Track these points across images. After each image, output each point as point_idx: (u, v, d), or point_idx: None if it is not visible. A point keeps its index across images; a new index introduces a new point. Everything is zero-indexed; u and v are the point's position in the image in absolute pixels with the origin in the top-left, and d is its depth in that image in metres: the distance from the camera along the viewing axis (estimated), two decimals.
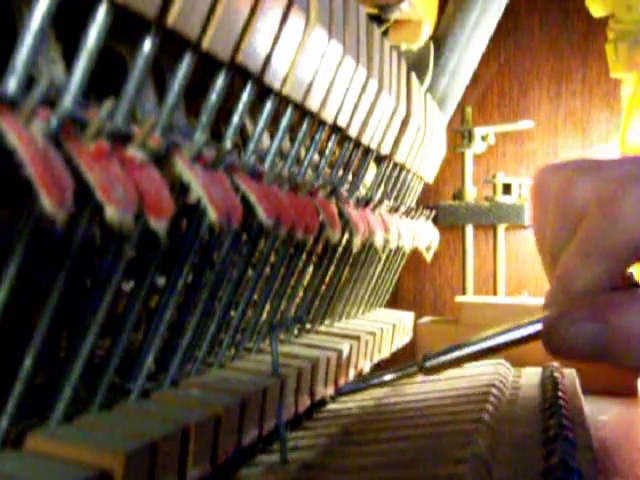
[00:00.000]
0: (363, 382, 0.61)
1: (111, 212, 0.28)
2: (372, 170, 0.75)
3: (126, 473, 0.30)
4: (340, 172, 0.65)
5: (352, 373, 0.67)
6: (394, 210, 0.77)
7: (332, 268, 0.68)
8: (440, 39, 1.07)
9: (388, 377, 0.56)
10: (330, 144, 0.59)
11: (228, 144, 0.43)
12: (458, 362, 0.42)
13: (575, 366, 0.85)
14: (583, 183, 0.35)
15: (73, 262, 0.32)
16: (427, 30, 1.01)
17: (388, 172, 0.77)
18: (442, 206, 1.25)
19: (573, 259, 0.35)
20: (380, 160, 0.74)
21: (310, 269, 0.63)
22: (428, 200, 1.29)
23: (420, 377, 0.73)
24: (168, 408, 0.39)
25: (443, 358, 0.42)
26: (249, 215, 0.43)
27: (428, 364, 0.44)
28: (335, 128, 0.58)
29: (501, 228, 1.28)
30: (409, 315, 0.96)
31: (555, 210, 0.37)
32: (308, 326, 0.67)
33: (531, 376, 0.78)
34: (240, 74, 0.42)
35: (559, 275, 0.36)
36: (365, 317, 0.84)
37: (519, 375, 0.79)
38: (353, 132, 0.61)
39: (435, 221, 1.03)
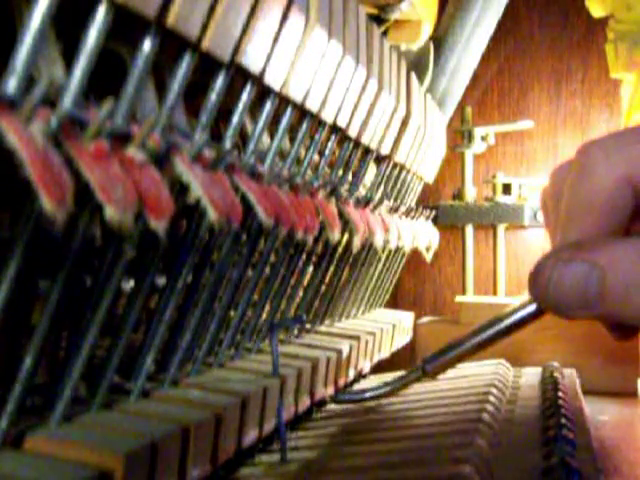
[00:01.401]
0: (368, 392, 0.61)
1: (111, 212, 0.28)
2: (372, 170, 0.75)
3: (126, 473, 0.30)
4: (340, 172, 0.65)
5: (352, 373, 0.67)
6: (394, 210, 0.77)
7: (332, 268, 0.68)
8: (440, 39, 1.07)
9: (389, 388, 0.55)
10: (330, 144, 0.59)
11: (228, 144, 0.43)
12: (460, 359, 0.41)
13: (575, 365, 0.85)
14: (595, 149, 0.33)
15: (73, 262, 0.32)
16: (427, 30, 1.00)
17: (388, 172, 0.77)
18: (442, 206, 1.25)
19: (562, 223, 0.33)
20: (380, 160, 0.74)
21: (310, 269, 0.63)
22: (428, 200, 1.29)
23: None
24: (168, 408, 0.39)
25: (444, 358, 0.42)
26: (249, 215, 0.43)
27: (430, 367, 0.43)
28: (335, 128, 0.58)
29: (501, 228, 1.28)
30: (409, 315, 0.96)
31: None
32: (308, 326, 0.67)
33: (531, 376, 0.78)
34: (240, 74, 0.42)
35: (556, 235, 0.34)
36: (365, 317, 0.84)
37: (519, 375, 0.79)
38: (353, 132, 0.61)
39: (435, 221, 1.03)
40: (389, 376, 0.61)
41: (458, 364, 0.43)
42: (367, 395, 0.60)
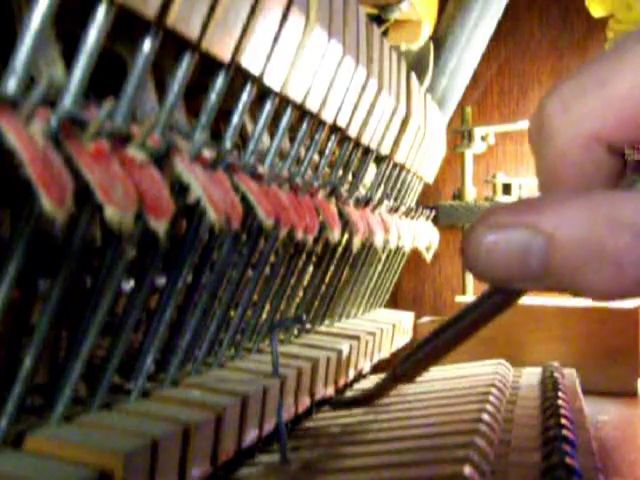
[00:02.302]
0: (348, 402, 0.60)
1: (111, 212, 0.28)
2: (372, 170, 0.75)
3: (126, 473, 0.30)
4: (340, 172, 0.65)
5: (352, 373, 0.67)
6: (394, 210, 0.77)
7: (332, 268, 0.68)
8: (440, 39, 1.07)
9: (370, 394, 0.54)
10: (330, 144, 0.59)
11: (228, 144, 0.43)
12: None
13: (575, 365, 0.85)
14: (547, 100, 0.26)
15: (73, 262, 0.32)
16: (427, 30, 1.01)
17: (388, 172, 0.77)
18: (442, 206, 1.25)
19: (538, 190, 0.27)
20: (380, 160, 0.74)
21: (310, 269, 0.63)
22: (428, 200, 1.29)
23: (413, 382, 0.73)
24: (168, 408, 0.39)
25: (415, 358, 0.37)
26: (249, 215, 0.43)
27: (400, 370, 0.39)
28: (335, 128, 0.58)
29: None
30: (409, 315, 0.96)
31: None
32: (308, 326, 0.67)
33: (531, 376, 0.78)
34: (240, 74, 0.42)
35: None
36: (365, 317, 0.84)
37: (519, 375, 0.79)
38: (353, 132, 0.61)
39: (435, 221, 1.03)
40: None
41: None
42: (350, 402, 0.60)
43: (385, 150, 0.71)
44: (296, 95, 0.48)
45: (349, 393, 0.72)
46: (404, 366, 0.38)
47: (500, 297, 0.28)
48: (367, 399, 0.55)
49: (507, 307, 0.28)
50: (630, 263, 0.21)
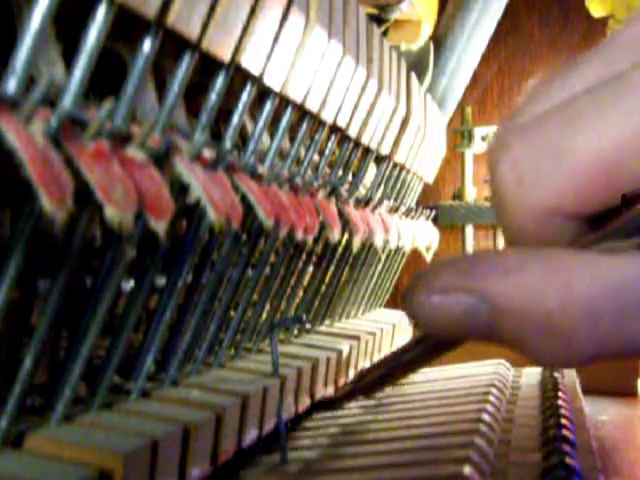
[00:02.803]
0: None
1: (111, 212, 0.28)
2: (372, 170, 0.75)
3: (126, 473, 0.30)
4: (340, 172, 0.65)
5: (352, 373, 0.67)
6: (394, 210, 0.77)
7: (332, 268, 0.68)
8: (440, 39, 1.07)
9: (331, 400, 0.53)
10: (330, 144, 0.59)
11: (228, 144, 0.43)
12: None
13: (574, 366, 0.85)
14: (494, 143, 0.23)
15: (73, 262, 0.32)
16: (427, 30, 1.01)
17: (388, 172, 0.77)
18: (442, 206, 1.25)
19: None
20: (380, 160, 0.74)
21: (310, 269, 0.63)
22: (428, 200, 1.29)
23: (407, 382, 0.73)
24: (168, 408, 0.39)
25: (373, 374, 0.35)
26: (249, 215, 0.43)
27: (357, 384, 0.37)
28: (335, 128, 0.58)
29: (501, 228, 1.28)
30: None
31: None
32: (308, 326, 0.67)
33: (531, 376, 0.78)
34: (240, 74, 0.42)
35: None
36: (365, 317, 0.84)
37: (519, 375, 0.79)
38: (353, 132, 0.61)
39: (435, 221, 1.03)
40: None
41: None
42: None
43: (385, 150, 0.71)
44: (296, 95, 0.48)
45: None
46: (362, 381, 0.36)
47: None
48: (328, 405, 0.55)
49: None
50: (578, 342, 0.19)
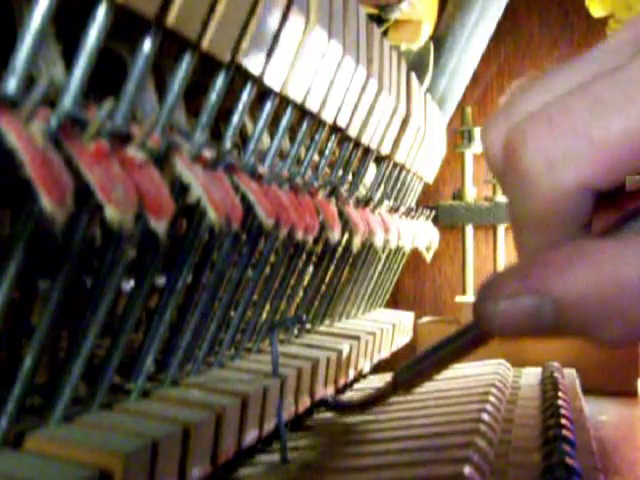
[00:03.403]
0: (345, 406, 0.61)
1: (111, 212, 0.28)
2: (372, 170, 0.75)
3: (126, 473, 0.30)
4: (340, 172, 0.65)
5: (352, 373, 0.67)
6: (394, 210, 0.77)
7: (332, 268, 0.68)
8: (440, 39, 1.07)
9: (368, 402, 0.54)
10: (330, 144, 0.59)
11: (228, 144, 0.43)
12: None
13: (575, 365, 0.85)
14: (494, 131, 0.26)
15: (73, 262, 0.32)
16: (427, 30, 1.01)
17: (388, 172, 0.77)
18: (442, 206, 1.25)
19: (514, 236, 0.27)
20: (380, 160, 0.74)
21: (310, 269, 0.63)
22: (428, 200, 1.29)
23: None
24: (168, 408, 0.39)
25: (416, 370, 0.36)
26: (249, 215, 0.43)
27: (401, 380, 0.39)
28: (335, 128, 0.58)
29: (501, 228, 1.28)
30: (409, 315, 0.96)
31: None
32: (308, 326, 0.67)
33: (531, 376, 0.78)
34: (240, 74, 0.42)
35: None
36: (365, 317, 0.84)
37: (519, 375, 0.79)
38: (353, 132, 0.61)
39: (435, 221, 1.03)
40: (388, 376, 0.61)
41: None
42: (345, 408, 0.60)
43: (385, 150, 0.71)
44: (296, 95, 0.48)
45: (349, 394, 0.72)
46: (404, 376, 0.37)
47: None
48: (364, 406, 0.55)
49: None
50: (636, 317, 0.22)
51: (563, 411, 0.59)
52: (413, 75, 0.78)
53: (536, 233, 0.25)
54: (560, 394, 0.65)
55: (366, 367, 0.74)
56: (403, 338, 0.91)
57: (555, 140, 0.23)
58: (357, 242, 0.61)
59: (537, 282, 0.23)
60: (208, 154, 0.38)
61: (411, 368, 0.36)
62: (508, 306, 0.24)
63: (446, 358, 0.32)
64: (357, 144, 0.65)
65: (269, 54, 0.43)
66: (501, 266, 1.29)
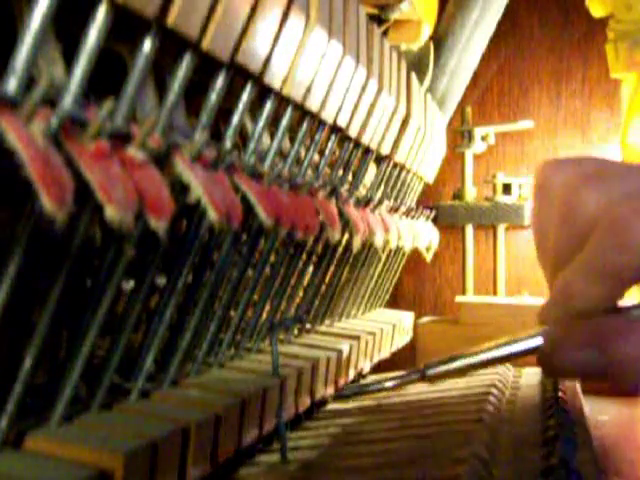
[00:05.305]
0: (364, 387, 0.62)
1: (111, 212, 0.28)
2: (372, 170, 0.75)
3: (126, 473, 0.30)
4: (340, 172, 0.65)
5: (352, 373, 0.67)
6: (394, 210, 0.77)
7: (332, 268, 0.68)
8: (440, 39, 1.07)
9: (389, 384, 0.57)
10: (330, 144, 0.59)
11: (228, 144, 0.43)
12: (459, 372, 0.43)
13: None
14: (592, 194, 0.34)
15: (73, 262, 0.32)
16: (427, 30, 1.01)
17: (388, 172, 0.77)
18: (442, 206, 1.25)
19: (577, 275, 0.34)
20: (380, 160, 0.74)
21: (310, 269, 0.63)
22: (428, 200, 1.29)
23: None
24: (168, 408, 0.39)
25: (444, 367, 0.43)
26: (249, 215, 0.43)
27: (430, 372, 0.45)
28: (335, 128, 0.58)
29: (501, 228, 1.28)
30: (409, 315, 0.96)
31: (560, 218, 0.36)
32: (308, 326, 0.67)
33: (531, 376, 0.78)
34: (240, 74, 0.42)
35: (560, 289, 0.35)
36: (365, 317, 0.84)
37: (519, 375, 0.79)
38: (353, 132, 0.61)
39: (435, 221, 1.03)
40: (390, 375, 0.62)
41: (457, 376, 0.46)
42: (368, 388, 0.62)
43: (385, 150, 0.71)
44: (296, 95, 0.48)
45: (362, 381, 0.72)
46: (434, 371, 0.43)
47: (539, 344, 0.36)
48: (383, 389, 0.57)
49: None
50: None
51: (563, 411, 0.59)
52: (413, 75, 0.78)
53: (609, 281, 0.33)
54: (560, 394, 0.65)
55: (366, 367, 0.74)
56: (403, 338, 0.91)
57: (608, 185, 0.34)
58: (357, 242, 0.61)
59: (601, 341, 0.33)
60: (208, 154, 0.38)
61: (442, 364, 0.42)
62: (577, 355, 0.33)
63: (481, 364, 0.40)
64: (357, 144, 0.65)
65: (269, 54, 0.43)
66: (501, 266, 1.29)
